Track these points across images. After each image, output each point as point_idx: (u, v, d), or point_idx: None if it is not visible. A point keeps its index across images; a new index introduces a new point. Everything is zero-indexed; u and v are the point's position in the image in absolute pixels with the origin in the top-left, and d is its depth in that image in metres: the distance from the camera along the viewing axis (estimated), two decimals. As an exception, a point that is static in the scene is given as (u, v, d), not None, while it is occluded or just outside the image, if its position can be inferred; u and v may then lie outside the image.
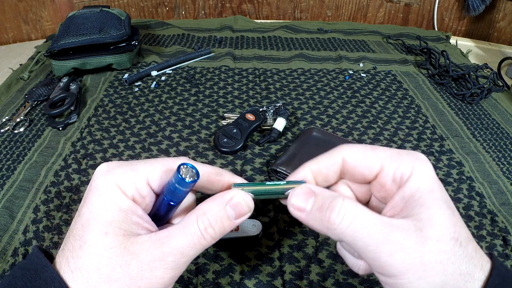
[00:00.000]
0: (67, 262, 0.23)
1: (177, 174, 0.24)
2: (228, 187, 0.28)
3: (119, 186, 0.25)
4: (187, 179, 0.25)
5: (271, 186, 0.27)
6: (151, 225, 0.26)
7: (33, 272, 0.23)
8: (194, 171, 0.25)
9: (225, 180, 0.28)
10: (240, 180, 0.29)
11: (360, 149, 0.27)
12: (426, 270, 0.22)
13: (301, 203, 0.25)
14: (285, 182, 0.27)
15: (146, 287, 0.23)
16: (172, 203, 0.26)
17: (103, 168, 0.26)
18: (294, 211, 0.26)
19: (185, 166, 0.25)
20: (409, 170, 0.25)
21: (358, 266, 0.28)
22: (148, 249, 0.23)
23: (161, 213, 0.27)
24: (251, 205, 0.26)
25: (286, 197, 0.27)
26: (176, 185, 0.25)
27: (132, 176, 0.25)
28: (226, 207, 0.25)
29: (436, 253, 0.22)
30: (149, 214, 0.27)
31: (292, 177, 0.28)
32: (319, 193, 0.25)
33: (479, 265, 0.23)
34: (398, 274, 0.22)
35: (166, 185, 0.26)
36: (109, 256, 0.23)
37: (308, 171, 0.28)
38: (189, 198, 0.30)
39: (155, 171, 0.26)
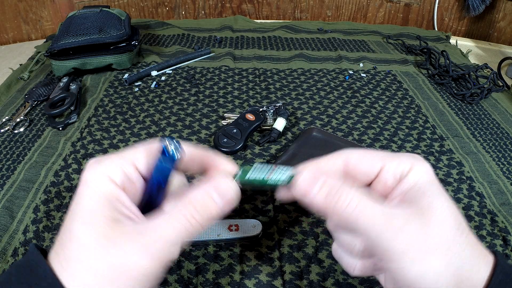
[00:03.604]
0: (57, 255, 0.23)
1: (163, 148, 0.24)
2: (212, 166, 0.28)
3: (108, 175, 0.24)
4: (174, 155, 0.25)
5: (270, 175, 0.27)
6: (137, 214, 0.25)
7: (27, 269, 0.23)
8: (178, 146, 0.25)
9: (209, 159, 0.28)
10: (224, 160, 0.28)
11: (360, 150, 0.27)
12: (428, 253, 0.22)
13: (308, 186, 0.25)
14: (280, 169, 0.27)
15: (130, 278, 0.22)
16: (161, 184, 0.26)
17: (91, 161, 0.26)
18: (299, 194, 0.25)
19: (169, 141, 0.25)
20: (409, 166, 0.25)
21: (354, 266, 0.28)
22: (131, 238, 0.23)
23: (151, 197, 0.27)
24: (238, 191, 0.26)
25: (283, 185, 0.27)
26: (163, 161, 0.25)
27: (119, 163, 0.25)
28: (213, 194, 0.25)
29: (438, 238, 0.22)
30: (141, 202, 0.27)
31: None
32: (326, 178, 0.25)
33: (482, 255, 0.24)
34: (400, 257, 0.22)
35: (154, 165, 0.26)
36: (91, 245, 0.22)
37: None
38: (179, 184, 0.29)
39: (140, 154, 0.26)
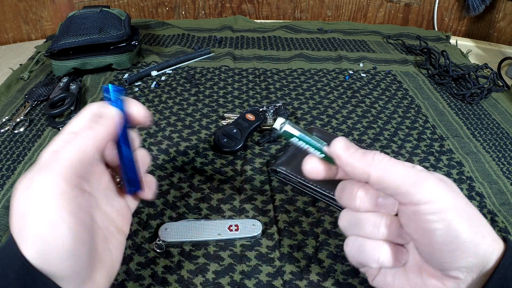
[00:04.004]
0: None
1: (107, 88, 0.27)
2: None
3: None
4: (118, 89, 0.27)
5: (314, 140, 0.30)
6: None
7: (2, 250, 0.23)
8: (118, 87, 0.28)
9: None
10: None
11: None
12: (455, 203, 0.25)
13: (346, 146, 0.28)
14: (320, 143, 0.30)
15: (32, 198, 0.22)
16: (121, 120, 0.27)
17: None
18: (339, 150, 0.28)
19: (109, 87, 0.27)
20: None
21: (379, 250, 0.27)
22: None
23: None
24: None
25: (320, 147, 0.29)
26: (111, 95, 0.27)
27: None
28: (86, 110, 0.26)
29: (458, 193, 0.26)
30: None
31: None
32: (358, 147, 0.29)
33: (490, 229, 0.26)
34: (432, 199, 0.24)
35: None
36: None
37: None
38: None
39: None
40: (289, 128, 0.29)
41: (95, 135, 0.25)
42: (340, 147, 0.28)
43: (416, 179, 0.25)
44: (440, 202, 0.24)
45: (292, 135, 0.29)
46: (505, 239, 0.26)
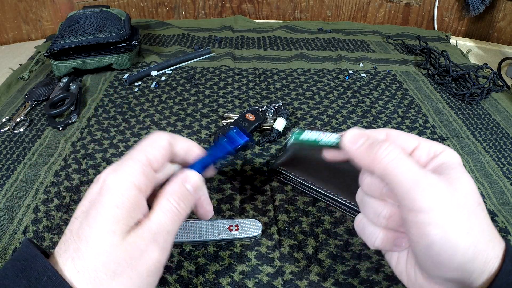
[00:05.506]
0: (73, 263, 0.24)
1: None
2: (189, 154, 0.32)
3: (133, 182, 0.26)
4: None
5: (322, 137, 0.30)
6: (146, 213, 0.27)
7: (23, 263, 0.23)
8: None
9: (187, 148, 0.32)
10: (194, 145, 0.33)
11: (399, 130, 0.31)
12: (454, 212, 0.24)
13: (353, 139, 0.28)
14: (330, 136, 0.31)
15: (145, 271, 0.25)
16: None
17: (112, 167, 0.27)
18: (347, 144, 0.28)
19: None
20: (441, 149, 0.28)
21: (375, 237, 0.28)
22: (143, 235, 0.25)
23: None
24: (201, 178, 0.30)
25: (331, 145, 0.30)
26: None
27: (141, 167, 0.27)
28: (186, 184, 0.29)
29: (464, 204, 0.24)
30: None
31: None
32: (370, 134, 0.28)
33: (497, 237, 0.25)
34: (430, 208, 0.24)
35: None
36: (115, 253, 0.24)
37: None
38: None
39: (155, 154, 0.29)
40: (303, 135, 0.30)
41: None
42: (348, 140, 0.28)
43: (412, 185, 0.24)
44: (433, 213, 0.23)
45: (306, 141, 0.31)
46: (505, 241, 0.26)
